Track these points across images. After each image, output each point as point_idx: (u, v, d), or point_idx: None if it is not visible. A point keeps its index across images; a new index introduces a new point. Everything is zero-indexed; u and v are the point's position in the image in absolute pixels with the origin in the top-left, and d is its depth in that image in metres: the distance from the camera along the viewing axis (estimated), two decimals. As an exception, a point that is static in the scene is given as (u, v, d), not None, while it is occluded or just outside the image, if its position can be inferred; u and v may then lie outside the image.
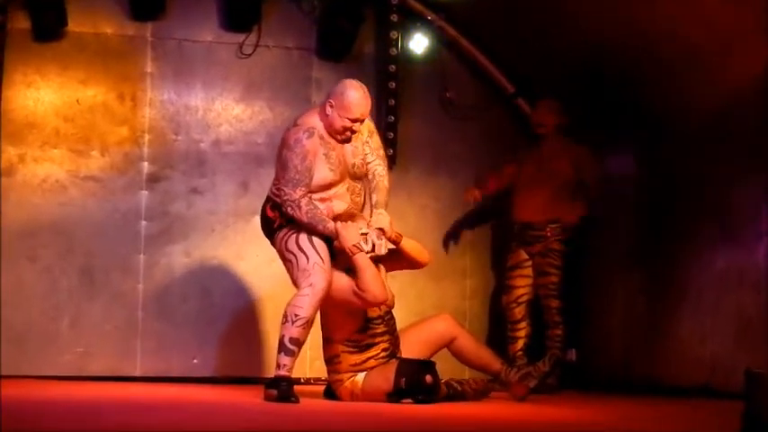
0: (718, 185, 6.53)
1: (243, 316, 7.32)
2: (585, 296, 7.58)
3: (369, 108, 5.79)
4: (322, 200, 5.74)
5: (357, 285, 5.55)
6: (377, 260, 5.71)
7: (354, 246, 5.57)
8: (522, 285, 7.27)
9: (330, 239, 5.69)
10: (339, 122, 5.69)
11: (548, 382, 6.93)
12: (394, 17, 7.60)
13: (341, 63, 7.62)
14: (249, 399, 5.81)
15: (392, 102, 7.60)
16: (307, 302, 5.59)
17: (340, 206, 5.78)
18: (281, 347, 5.62)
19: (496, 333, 7.57)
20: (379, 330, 5.78)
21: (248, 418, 4.86)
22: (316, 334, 6.19)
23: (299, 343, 5.63)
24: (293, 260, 5.68)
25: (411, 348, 5.88)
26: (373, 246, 5.64)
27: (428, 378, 5.60)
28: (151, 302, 7.25)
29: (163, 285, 7.28)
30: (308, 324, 5.63)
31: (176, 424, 4.43)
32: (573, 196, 7.20)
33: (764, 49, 5.96)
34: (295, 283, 5.73)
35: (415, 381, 5.60)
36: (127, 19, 7.34)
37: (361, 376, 5.72)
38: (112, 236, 7.21)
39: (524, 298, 7.27)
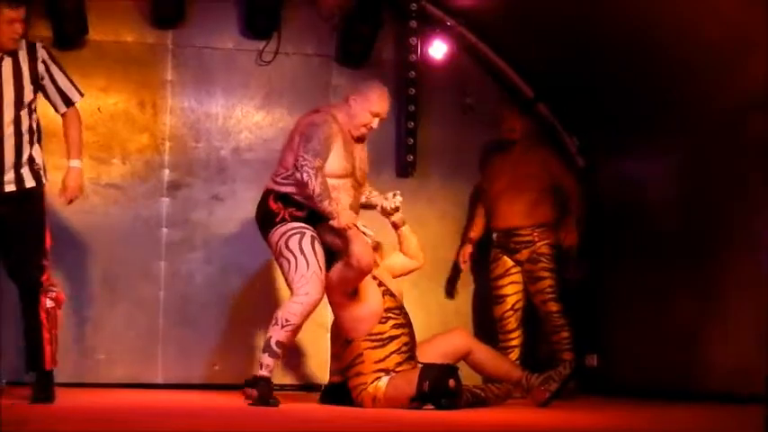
0: (741, 187, 6.48)
1: (264, 323, 7.21)
2: (607, 301, 7.55)
3: (388, 108, 6.11)
4: (332, 188, 5.85)
5: (347, 253, 5.68)
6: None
7: (351, 223, 5.74)
8: (515, 292, 7.23)
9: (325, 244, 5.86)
10: (361, 117, 5.99)
11: (568, 387, 6.88)
12: (413, 23, 7.60)
13: (360, 69, 7.63)
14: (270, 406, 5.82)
15: (412, 108, 7.60)
16: (299, 310, 5.77)
17: (345, 200, 5.95)
18: (267, 349, 5.80)
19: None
20: (399, 321, 5.85)
21: (269, 425, 4.86)
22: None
23: (284, 347, 5.83)
24: (292, 261, 5.82)
25: (428, 362, 5.88)
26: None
27: (451, 382, 5.61)
28: (172, 309, 7.27)
29: (184, 292, 7.30)
30: (297, 330, 5.84)
31: (187, 430, 4.44)
32: (553, 198, 7.23)
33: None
34: (288, 283, 5.88)
35: (439, 385, 5.61)
36: (147, 27, 7.38)
37: (384, 381, 5.72)
38: (134, 243, 7.23)
39: (519, 305, 7.23)
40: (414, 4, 7.57)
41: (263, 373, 5.80)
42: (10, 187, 5.58)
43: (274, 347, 5.78)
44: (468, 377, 6.14)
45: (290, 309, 5.79)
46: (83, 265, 7.13)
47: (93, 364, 7.09)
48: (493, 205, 7.31)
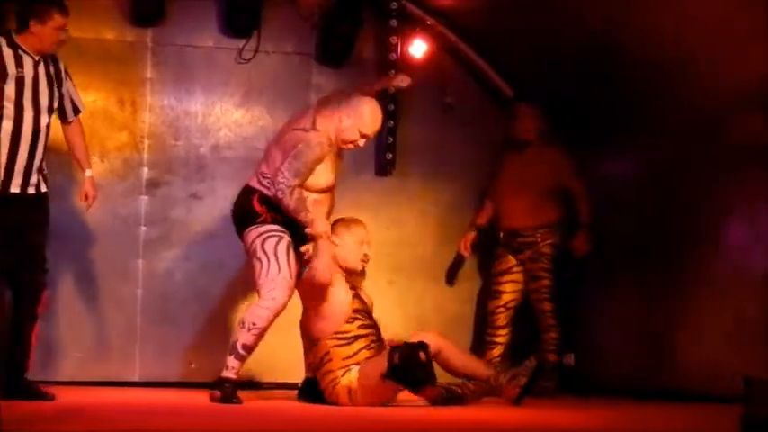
0: (714, 188, 6.54)
1: (242, 321, 7.32)
2: (583, 300, 7.57)
3: (378, 129, 6.16)
4: (316, 202, 5.94)
5: (311, 263, 5.79)
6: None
7: (324, 232, 5.80)
8: (512, 291, 7.28)
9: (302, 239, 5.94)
10: (350, 133, 6.00)
11: (546, 386, 6.91)
12: (393, 22, 7.59)
13: (340, 68, 7.63)
14: (247, 404, 5.83)
15: (392, 107, 7.58)
16: (265, 314, 5.86)
17: (322, 210, 6.02)
18: (233, 351, 5.90)
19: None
20: (365, 322, 5.91)
21: (245, 422, 4.86)
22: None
23: (250, 350, 5.92)
24: (264, 263, 5.89)
25: None
26: None
27: (422, 355, 5.62)
28: (150, 308, 7.26)
29: (162, 290, 7.29)
30: (263, 333, 5.91)
31: (173, 428, 4.44)
32: (558, 199, 7.25)
33: (760, 57, 5.99)
34: (258, 284, 5.94)
35: (409, 356, 5.63)
36: (127, 25, 7.36)
37: (355, 370, 5.76)
38: (112, 241, 7.22)
39: (512, 303, 7.28)
40: (394, 3, 7.55)
41: (229, 374, 5.88)
42: (31, 190, 5.73)
43: (240, 350, 5.88)
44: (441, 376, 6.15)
45: (256, 312, 5.88)
46: (61, 264, 7.10)
47: (70, 362, 7.07)
48: (500, 205, 7.37)
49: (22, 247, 5.69)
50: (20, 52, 5.66)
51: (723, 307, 6.41)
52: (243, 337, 5.87)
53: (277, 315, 5.92)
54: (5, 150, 5.61)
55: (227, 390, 5.83)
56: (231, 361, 5.89)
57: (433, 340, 5.99)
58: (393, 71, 6.25)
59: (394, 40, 7.60)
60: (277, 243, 5.90)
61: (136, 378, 7.16)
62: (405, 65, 7.59)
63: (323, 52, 7.61)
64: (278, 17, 7.58)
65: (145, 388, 6.96)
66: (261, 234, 5.94)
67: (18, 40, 5.68)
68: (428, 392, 5.79)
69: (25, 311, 5.68)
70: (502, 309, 7.28)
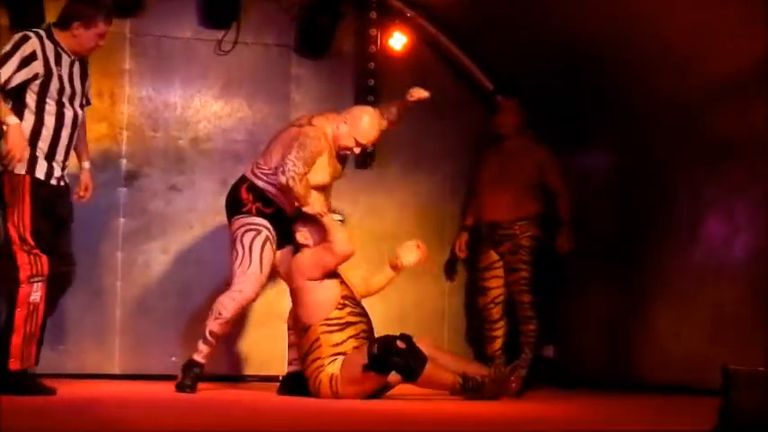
0: (693, 181, 6.58)
1: (222, 313, 7.30)
2: (563, 293, 7.60)
3: (374, 139, 6.27)
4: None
5: (329, 240, 5.89)
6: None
7: (322, 210, 5.95)
8: (497, 286, 7.31)
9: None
10: (346, 140, 6.14)
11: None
12: (373, 14, 7.60)
13: (320, 60, 7.63)
14: (228, 396, 5.83)
15: (371, 99, 7.59)
16: (231, 305, 6.08)
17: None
18: (203, 336, 6.13)
19: (475, 330, 7.59)
20: (355, 310, 5.94)
21: (226, 415, 4.86)
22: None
23: (217, 337, 6.14)
24: (239, 255, 6.09)
25: None
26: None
27: (399, 343, 5.64)
28: (129, 300, 7.24)
29: (141, 283, 7.28)
30: (228, 323, 6.14)
31: (153, 421, 4.44)
32: (538, 193, 7.27)
33: (736, 52, 6.04)
34: (231, 272, 6.13)
35: (387, 345, 5.66)
36: (105, 15, 7.31)
37: (339, 360, 5.79)
38: (91, 233, 7.17)
39: (500, 298, 7.32)
40: (374, -5, 7.57)
41: (197, 357, 6.10)
42: (62, 183, 5.77)
43: (208, 336, 6.11)
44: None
45: (223, 302, 6.09)
46: (39, 255, 7.07)
47: (49, 354, 7.01)
48: (481, 198, 7.39)
49: (65, 237, 5.82)
50: (58, 49, 5.66)
51: (703, 300, 6.46)
52: (210, 325, 6.10)
53: (244, 307, 6.14)
54: (46, 145, 5.62)
55: (190, 377, 6.02)
56: (200, 345, 6.13)
57: (426, 350, 5.98)
58: (410, 89, 6.33)
59: (373, 32, 7.62)
60: (254, 237, 6.06)
61: (116, 371, 7.15)
62: (384, 57, 7.62)
63: (302, 44, 7.60)
64: (257, 8, 7.57)
65: (125, 381, 6.94)
66: (242, 226, 6.09)
67: (57, 36, 5.67)
68: (430, 378, 5.75)
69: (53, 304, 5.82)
70: (491, 304, 7.33)
